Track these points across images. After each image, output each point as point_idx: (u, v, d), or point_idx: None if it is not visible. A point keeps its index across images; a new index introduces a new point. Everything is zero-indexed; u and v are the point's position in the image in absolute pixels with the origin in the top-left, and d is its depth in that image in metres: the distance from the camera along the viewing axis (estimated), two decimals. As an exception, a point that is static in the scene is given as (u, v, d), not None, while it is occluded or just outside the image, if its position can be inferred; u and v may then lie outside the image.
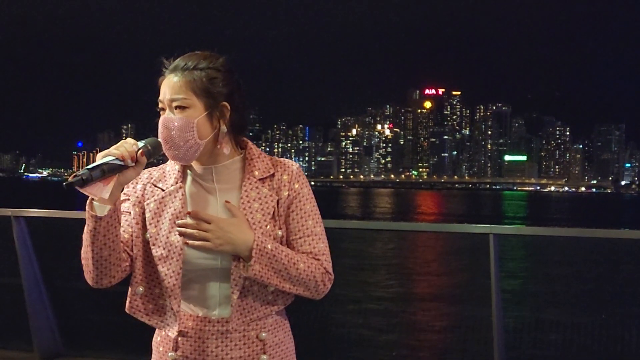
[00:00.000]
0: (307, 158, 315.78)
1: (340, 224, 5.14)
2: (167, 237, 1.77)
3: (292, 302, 1.89)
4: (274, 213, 1.80)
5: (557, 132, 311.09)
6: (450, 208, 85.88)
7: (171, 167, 1.86)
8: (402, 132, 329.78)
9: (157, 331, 1.87)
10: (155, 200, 1.82)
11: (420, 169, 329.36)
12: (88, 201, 1.67)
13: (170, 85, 1.75)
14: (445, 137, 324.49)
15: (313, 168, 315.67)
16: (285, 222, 1.82)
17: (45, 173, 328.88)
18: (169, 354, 1.80)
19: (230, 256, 1.75)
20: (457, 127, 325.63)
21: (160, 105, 1.78)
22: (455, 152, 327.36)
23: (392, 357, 5.38)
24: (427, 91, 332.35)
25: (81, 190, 1.60)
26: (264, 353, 1.80)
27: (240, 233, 1.72)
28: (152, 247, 1.79)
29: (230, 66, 1.81)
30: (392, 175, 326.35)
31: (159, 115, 1.78)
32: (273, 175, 1.84)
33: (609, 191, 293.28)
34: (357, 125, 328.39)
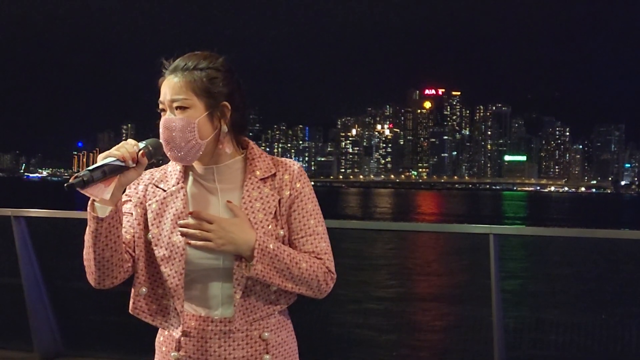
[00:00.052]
0: (307, 158, 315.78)
1: (341, 224, 5.13)
2: (169, 238, 1.77)
3: (293, 302, 1.89)
4: (275, 213, 1.80)
5: (557, 132, 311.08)
6: (450, 208, 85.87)
7: (173, 168, 1.86)
8: (402, 133, 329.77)
9: (159, 331, 1.87)
10: (157, 201, 1.82)
11: (420, 169, 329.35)
12: (89, 202, 1.67)
13: (170, 86, 1.75)
14: (445, 137, 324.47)
15: (313, 168, 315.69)
16: (287, 222, 1.82)
17: (45, 173, 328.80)
18: (172, 354, 1.80)
19: (232, 256, 1.75)
20: (457, 128, 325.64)
21: (160, 106, 1.78)
22: (455, 153, 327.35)
23: (392, 357, 5.38)
24: (427, 91, 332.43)
25: (82, 192, 1.60)
26: (267, 353, 1.80)
27: (242, 233, 1.72)
28: (154, 247, 1.79)
29: (230, 66, 1.81)
30: (392, 176, 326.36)
31: (159, 116, 1.78)
32: (274, 174, 1.83)
33: (609, 191, 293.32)
34: (357, 126, 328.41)
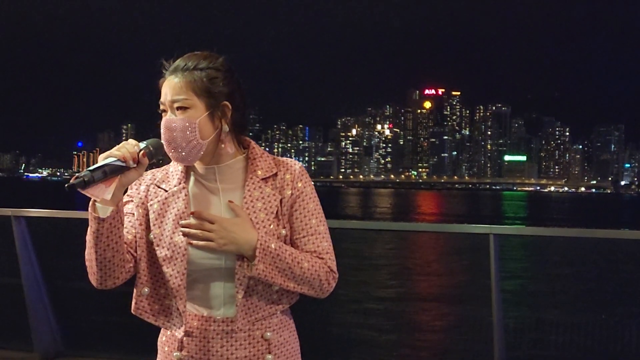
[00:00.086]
0: (307, 158, 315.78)
1: (341, 224, 5.13)
2: (171, 238, 1.77)
3: (295, 301, 1.89)
4: (277, 212, 1.80)
5: (557, 132, 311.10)
6: (450, 208, 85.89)
7: (174, 168, 1.87)
8: (402, 133, 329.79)
9: (162, 331, 1.87)
10: (158, 201, 1.82)
11: (420, 169, 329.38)
12: (90, 203, 1.67)
13: (171, 87, 1.75)
14: (445, 137, 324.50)
15: (313, 168, 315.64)
16: (289, 221, 1.82)
17: (45, 173, 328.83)
18: (174, 354, 1.80)
19: (234, 256, 1.75)
20: (456, 128, 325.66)
21: (161, 106, 1.78)
22: (455, 153, 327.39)
23: (392, 357, 5.38)
24: (427, 91, 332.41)
25: (83, 192, 1.60)
26: (269, 353, 1.80)
27: (243, 233, 1.72)
28: (156, 248, 1.79)
29: (230, 66, 1.81)
30: (392, 176, 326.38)
31: (159, 116, 1.78)
32: (276, 174, 1.83)
33: (609, 191, 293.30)
34: (357, 126, 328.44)
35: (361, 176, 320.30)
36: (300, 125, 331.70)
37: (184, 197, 1.80)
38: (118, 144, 1.69)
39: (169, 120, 1.74)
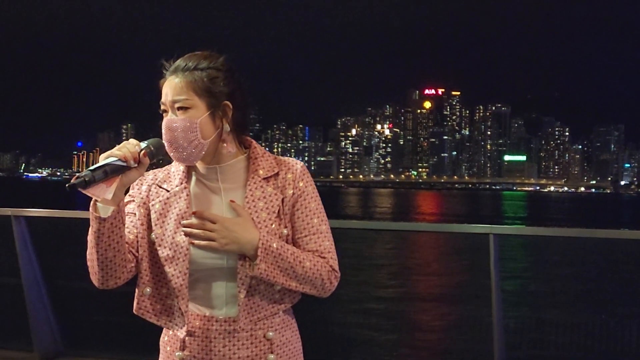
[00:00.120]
0: (306, 158, 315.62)
1: (340, 224, 5.13)
2: (173, 238, 1.77)
3: (297, 301, 1.88)
4: (279, 212, 1.80)
5: (557, 132, 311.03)
6: (450, 208, 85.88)
7: (176, 168, 1.87)
8: (401, 132, 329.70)
9: (164, 331, 1.87)
10: (160, 201, 1.82)
11: (420, 169, 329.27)
12: (92, 202, 1.67)
13: (171, 87, 1.76)
14: (445, 137, 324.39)
15: (313, 168, 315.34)
16: (291, 221, 1.82)
17: (45, 173, 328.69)
18: (177, 354, 1.80)
19: (236, 255, 1.75)
20: (456, 128, 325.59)
21: (162, 107, 1.78)
22: (454, 153, 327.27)
23: (392, 357, 5.38)
24: (426, 91, 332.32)
25: (84, 192, 1.60)
26: (272, 352, 1.80)
27: (245, 232, 1.73)
28: (158, 247, 1.79)
29: (230, 65, 1.81)
30: (392, 176, 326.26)
31: (159, 116, 1.79)
32: (277, 174, 1.84)
33: (608, 191, 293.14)
34: (356, 125, 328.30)
35: (361, 176, 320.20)
36: (300, 125, 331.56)
37: (185, 197, 1.80)
38: (118, 144, 1.69)
39: (170, 120, 1.75)
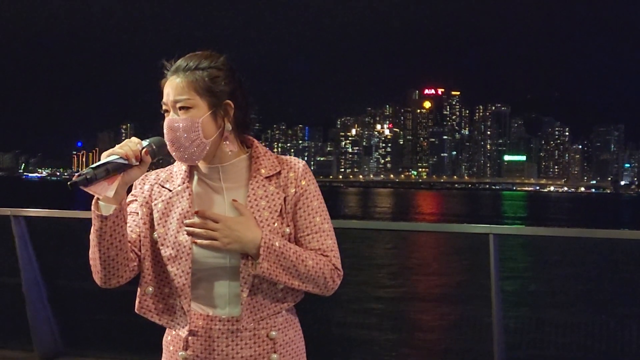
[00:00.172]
0: (306, 158, 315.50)
1: (340, 223, 5.12)
2: (176, 237, 1.77)
3: (300, 299, 1.88)
4: (281, 210, 1.80)
5: (557, 132, 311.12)
6: (449, 208, 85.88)
7: (178, 168, 1.87)
8: (401, 132, 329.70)
9: (167, 330, 1.87)
10: (162, 201, 1.82)
11: (420, 169, 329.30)
12: (94, 201, 1.68)
13: (173, 87, 1.76)
14: (445, 137, 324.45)
15: (312, 168, 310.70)
16: (293, 220, 1.82)
17: (44, 173, 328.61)
18: (180, 353, 1.80)
19: (239, 255, 1.75)
20: (456, 127, 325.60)
21: (164, 107, 1.79)
22: (454, 152, 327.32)
23: (392, 357, 5.38)
24: (426, 91, 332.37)
25: (85, 190, 1.60)
26: (275, 352, 1.80)
27: (247, 231, 1.73)
28: (160, 247, 1.80)
29: (231, 65, 1.82)
30: (392, 175, 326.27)
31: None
32: (279, 173, 1.84)
33: (608, 191, 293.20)
34: (356, 125, 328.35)
35: (361, 176, 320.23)
36: (300, 125, 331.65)
37: (188, 196, 1.80)
38: (118, 144, 1.69)
39: (171, 120, 1.75)
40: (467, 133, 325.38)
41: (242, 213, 1.76)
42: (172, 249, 1.77)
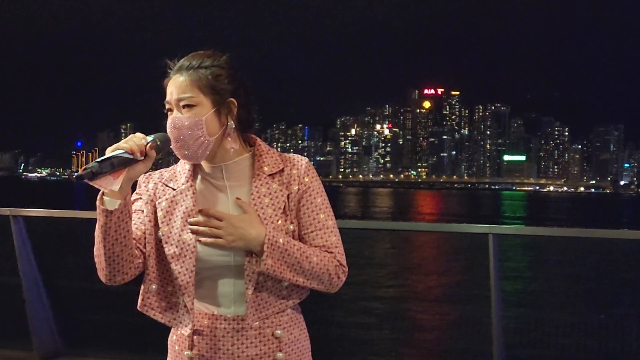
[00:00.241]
0: (306, 158, 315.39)
1: (340, 223, 5.13)
2: (180, 235, 1.78)
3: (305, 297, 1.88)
4: (284, 208, 1.80)
5: (556, 132, 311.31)
6: (449, 208, 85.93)
7: (182, 167, 1.88)
8: (401, 132, 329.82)
9: (172, 330, 1.87)
10: (166, 199, 1.83)
11: (419, 169, 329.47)
12: (98, 196, 1.68)
13: (176, 85, 1.77)
14: (444, 137, 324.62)
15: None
16: (297, 217, 1.83)
17: (44, 172, 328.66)
18: (185, 353, 1.80)
19: (243, 252, 1.76)
20: (456, 127, 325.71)
21: (167, 106, 1.79)
22: (454, 152, 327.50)
23: (392, 357, 5.38)
24: (426, 91, 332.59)
25: (91, 183, 1.60)
26: (280, 351, 1.80)
27: (251, 228, 1.73)
28: (164, 245, 1.80)
29: (233, 63, 1.83)
30: (391, 175, 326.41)
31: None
32: (282, 170, 1.84)
33: (608, 191, 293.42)
34: (356, 125, 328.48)
35: (360, 176, 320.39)
36: (300, 125, 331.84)
37: (191, 195, 1.81)
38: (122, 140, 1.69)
39: (175, 118, 1.75)
40: (466, 133, 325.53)
41: (245, 211, 1.76)
42: (177, 247, 1.78)
